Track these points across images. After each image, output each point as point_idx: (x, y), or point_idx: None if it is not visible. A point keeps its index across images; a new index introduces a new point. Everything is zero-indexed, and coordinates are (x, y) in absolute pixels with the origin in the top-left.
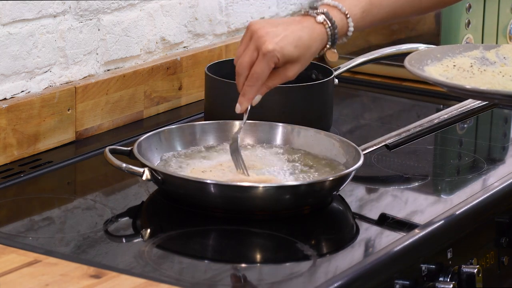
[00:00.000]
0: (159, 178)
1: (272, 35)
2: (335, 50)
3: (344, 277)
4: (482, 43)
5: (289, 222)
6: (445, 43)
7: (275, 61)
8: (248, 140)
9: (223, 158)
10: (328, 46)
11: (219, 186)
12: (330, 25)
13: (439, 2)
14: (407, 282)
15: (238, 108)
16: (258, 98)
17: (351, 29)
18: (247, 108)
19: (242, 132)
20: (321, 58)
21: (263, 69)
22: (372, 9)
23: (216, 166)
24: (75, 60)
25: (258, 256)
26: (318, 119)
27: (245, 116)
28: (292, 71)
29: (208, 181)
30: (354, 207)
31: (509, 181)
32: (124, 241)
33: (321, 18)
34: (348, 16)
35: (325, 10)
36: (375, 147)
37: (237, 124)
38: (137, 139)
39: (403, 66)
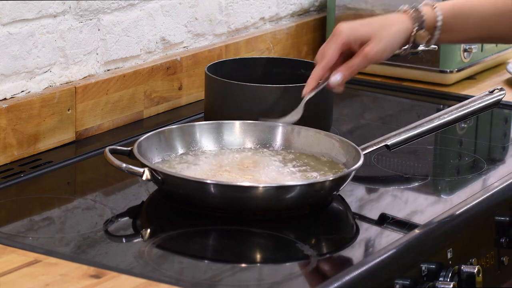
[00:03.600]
0: (159, 178)
1: (347, 22)
2: (423, 32)
3: (344, 277)
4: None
5: (289, 222)
6: None
7: (343, 40)
8: (248, 140)
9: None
10: (415, 28)
11: (219, 186)
12: (413, 10)
13: None
14: (407, 282)
15: (304, 89)
16: (338, 77)
17: (439, 18)
18: (312, 88)
19: (242, 132)
20: None
21: (330, 46)
22: (464, 8)
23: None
24: (75, 60)
25: (258, 256)
26: (318, 119)
27: (312, 93)
28: (369, 48)
29: (208, 181)
30: (354, 207)
31: (509, 181)
32: (124, 241)
33: (405, 7)
34: (435, 7)
35: (413, 4)
36: (375, 147)
37: (236, 124)
38: (137, 139)
39: (403, 66)
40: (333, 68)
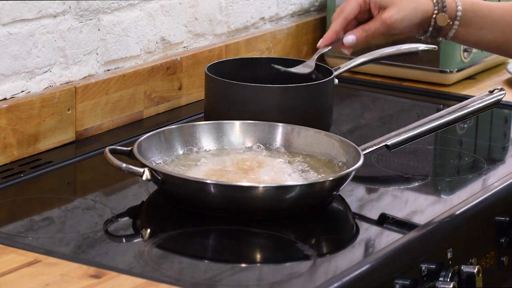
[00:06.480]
0: (159, 178)
1: None
2: (445, 14)
3: (344, 277)
4: None
5: (289, 222)
6: (444, 43)
7: None
8: (248, 140)
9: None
10: (436, 10)
11: (219, 186)
12: None
13: None
14: (407, 282)
15: (320, 41)
16: (352, 38)
17: (460, 7)
18: (329, 41)
19: (242, 132)
20: (321, 58)
21: (350, 1)
22: (483, 8)
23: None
24: (75, 60)
25: (258, 256)
26: (318, 119)
27: (326, 48)
28: (388, 15)
29: (208, 181)
30: (354, 207)
31: (509, 181)
32: (124, 241)
33: None
34: None
35: None
36: (375, 147)
37: (236, 124)
38: (137, 139)
39: (403, 66)
40: (347, 29)
